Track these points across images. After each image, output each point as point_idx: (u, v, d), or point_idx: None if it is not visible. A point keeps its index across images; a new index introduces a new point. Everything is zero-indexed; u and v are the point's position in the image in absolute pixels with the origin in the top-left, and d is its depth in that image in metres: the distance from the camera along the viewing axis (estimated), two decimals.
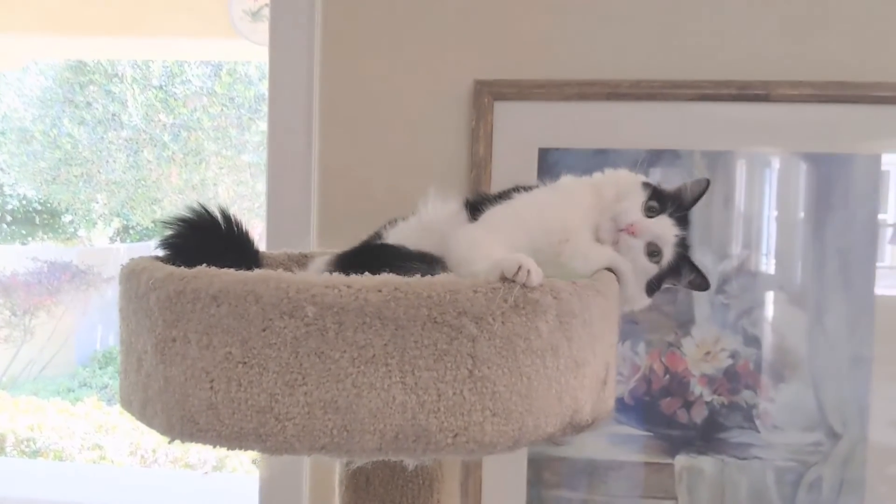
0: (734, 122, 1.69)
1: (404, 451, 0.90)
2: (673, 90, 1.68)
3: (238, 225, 1.18)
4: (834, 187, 1.67)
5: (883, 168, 1.67)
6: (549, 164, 1.72)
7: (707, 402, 1.70)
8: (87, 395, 3.62)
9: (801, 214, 1.69)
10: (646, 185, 1.24)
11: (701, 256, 1.67)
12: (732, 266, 1.70)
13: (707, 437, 1.70)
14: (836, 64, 1.66)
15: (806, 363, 1.68)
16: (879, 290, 1.66)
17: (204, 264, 0.99)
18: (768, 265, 1.70)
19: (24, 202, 3.58)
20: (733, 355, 1.70)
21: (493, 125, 1.72)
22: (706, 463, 1.70)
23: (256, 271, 0.91)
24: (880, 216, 1.68)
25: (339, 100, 1.78)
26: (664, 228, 1.18)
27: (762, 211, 1.71)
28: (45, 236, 3.78)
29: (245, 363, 0.89)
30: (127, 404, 1.02)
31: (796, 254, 1.69)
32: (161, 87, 3.44)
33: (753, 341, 1.69)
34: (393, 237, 1.17)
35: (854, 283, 1.67)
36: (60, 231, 3.76)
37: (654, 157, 1.70)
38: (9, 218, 3.63)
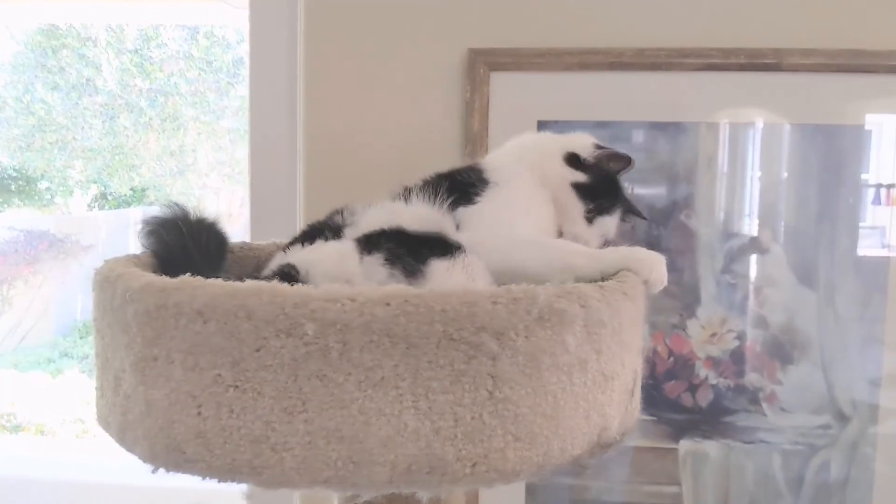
0: (743, 93, 1.57)
1: (417, 484, 0.78)
2: (679, 59, 1.56)
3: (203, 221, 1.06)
4: (847, 160, 1.56)
5: None
6: None
7: (712, 385, 1.60)
8: (68, 365, 3.48)
9: (814, 190, 1.57)
10: (575, 186, 1.17)
11: (708, 234, 1.57)
12: (740, 244, 1.59)
13: (712, 421, 1.60)
14: (850, 31, 1.53)
15: (815, 344, 1.59)
16: (893, 270, 1.56)
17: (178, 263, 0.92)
18: (777, 244, 1.58)
19: None
20: (740, 336, 1.59)
21: (488, 97, 1.59)
22: (711, 447, 1.61)
23: (248, 282, 0.78)
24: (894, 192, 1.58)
25: (323, 71, 1.64)
26: (607, 228, 1.18)
27: (770, 186, 1.59)
28: (22, 203, 3.60)
29: (237, 387, 0.77)
30: (105, 425, 0.90)
31: (807, 232, 1.58)
32: (136, 51, 3.26)
33: (761, 322, 1.59)
34: (376, 222, 1.03)
35: (866, 262, 1.57)
36: (37, 198, 3.59)
37: (659, 130, 1.58)
38: None
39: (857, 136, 1.56)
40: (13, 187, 3.56)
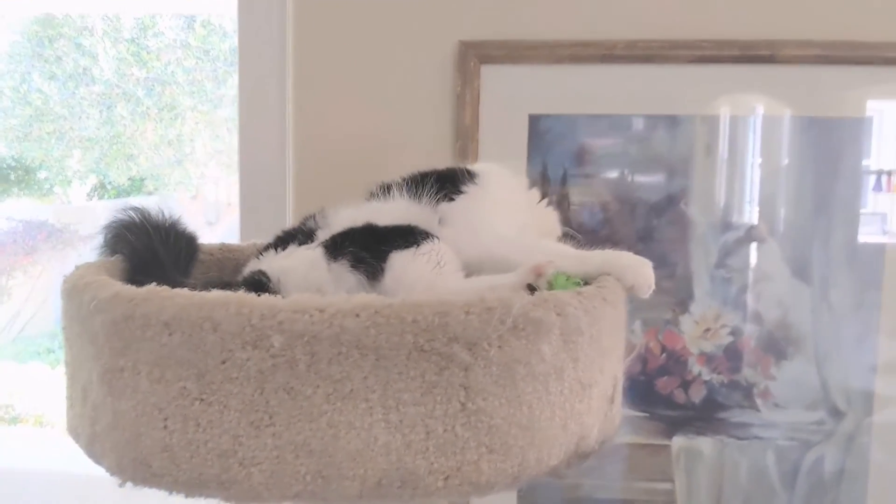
0: (737, 85, 1.54)
1: (389, 498, 0.76)
2: (672, 51, 1.53)
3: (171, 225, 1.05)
4: (844, 153, 1.54)
5: None
6: (541, 132, 1.57)
7: (706, 382, 1.58)
8: None
9: (810, 182, 1.55)
10: None
11: (702, 228, 1.54)
12: (734, 238, 1.56)
13: (706, 418, 1.58)
14: (846, 22, 1.50)
15: (810, 339, 1.56)
16: (888, 264, 1.54)
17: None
18: (773, 237, 1.56)
19: None
20: (734, 332, 1.57)
21: (479, 91, 1.57)
22: (705, 444, 1.59)
23: (215, 293, 0.76)
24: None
25: (312, 65, 1.61)
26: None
27: (766, 179, 1.57)
28: (21, 193, 3.58)
29: (203, 400, 0.75)
30: (75, 435, 0.88)
31: (803, 226, 1.55)
32: (133, 41, 3.23)
33: (755, 317, 1.57)
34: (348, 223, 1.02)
35: (861, 256, 1.54)
36: (36, 188, 3.57)
37: (653, 124, 1.56)
38: None
39: (855, 128, 1.53)
40: (12, 177, 3.55)
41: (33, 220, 3.43)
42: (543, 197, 1.26)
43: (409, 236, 0.93)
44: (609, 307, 0.86)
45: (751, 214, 1.57)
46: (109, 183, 3.56)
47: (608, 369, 0.88)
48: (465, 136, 1.56)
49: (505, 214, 1.11)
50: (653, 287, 0.97)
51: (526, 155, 1.57)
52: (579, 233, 1.26)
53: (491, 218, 1.08)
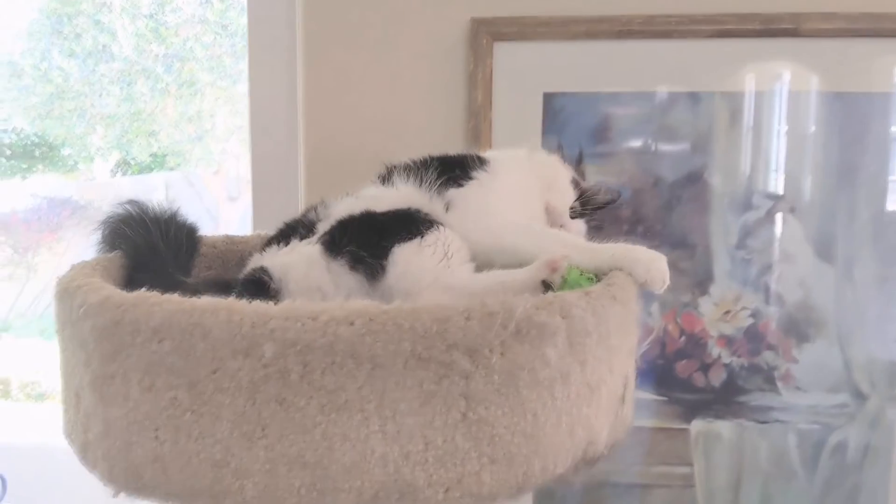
0: (759, 60, 1.48)
1: None
2: (691, 26, 1.47)
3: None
4: (870, 130, 1.47)
5: None
6: (555, 111, 1.51)
7: (725, 365, 1.53)
8: None
9: (833, 161, 1.49)
10: (575, 182, 1.17)
11: (723, 207, 1.49)
12: (755, 218, 1.51)
13: (725, 401, 1.54)
14: None
15: (833, 321, 1.51)
16: None
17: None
18: (794, 217, 1.50)
19: (21, 136, 3.37)
20: (754, 314, 1.52)
21: (492, 69, 1.52)
22: (724, 427, 1.54)
23: (205, 299, 0.72)
24: None
25: (322, 44, 1.56)
26: (579, 233, 1.13)
27: (789, 157, 1.51)
28: (46, 169, 3.57)
29: (194, 410, 0.71)
30: (69, 440, 0.85)
31: (826, 205, 1.49)
32: (151, 16, 3.19)
33: (776, 299, 1.52)
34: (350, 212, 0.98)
35: (886, 234, 1.48)
36: (61, 164, 3.55)
37: (671, 101, 1.50)
38: (8, 152, 3.42)
39: (882, 103, 1.47)
40: (36, 153, 3.53)
41: (57, 197, 3.42)
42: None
43: (411, 225, 0.89)
44: (618, 305, 0.82)
45: (776, 189, 1.51)
46: (133, 159, 3.54)
47: (618, 368, 0.84)
48: (478, 115, 1.51)
49: (517, 202, 1.06)
50: (667, 283, 0.93)
51: (540, 134, 1.52)
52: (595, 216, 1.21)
53: (502, 204, 1.03)
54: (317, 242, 0.91)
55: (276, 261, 0.92)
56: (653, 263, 0.91)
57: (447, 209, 1.01)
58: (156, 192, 3.51)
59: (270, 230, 1.06)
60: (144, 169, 3.55)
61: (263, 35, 1.60)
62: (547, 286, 0.83)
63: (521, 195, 1.07)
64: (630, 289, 0.87)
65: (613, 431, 0.85)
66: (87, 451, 0.79)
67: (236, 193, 3.42)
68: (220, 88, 3.23)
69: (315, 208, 1.02)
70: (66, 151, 3.56)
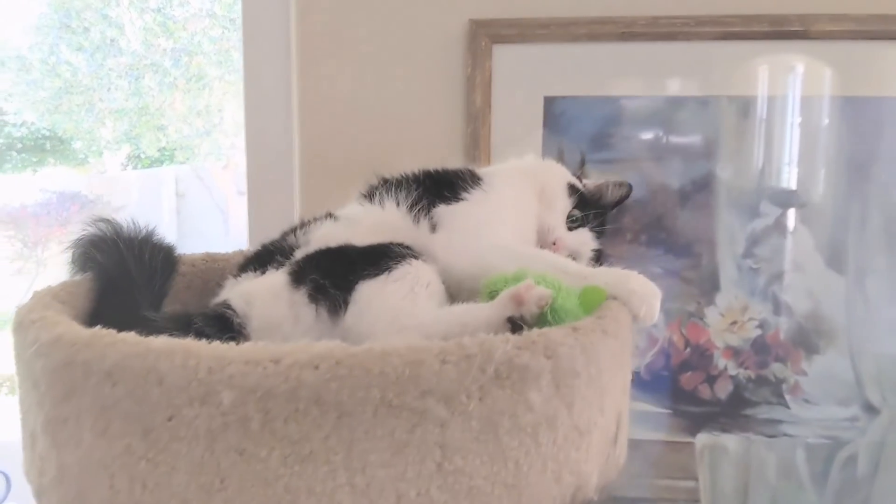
0: (767, 63, 1.41)
1: None
2: (696, 28, 1.40)
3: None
4: (882, 136, 1.40)
5: None
6: (556, 115, 1.45)
7: (732, 377, 1.47)
8: None
9: (844, 167, 1.41)
10: (570, 187, 1.08)
11: (729, 216, 1.42)
12: (763, 226, 1.43)
13: (731, 414, 1.47)
14: None
15: (843, 332, 1.44)
16: None
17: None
18: (803, 225, 1.43)
19: (31, 129, 3.33)
20: (762, 325, 1.45)
21: (491, 72, 1.45)
22: (730, 441, 1.47)
23: (161, 340, 0.66)
24: None
25: (318, 46, 1.50)
26: (583, 244, 1.06)
27: (798, 164, 1.43)
28: (57, 162, 3.53)
29: (149, 459, 0.66)
30: (28, 480, 0.79)
31: (836, 213, 1.42)
32: (159, 10, 3.14)
33: (785, 309, 1.45)
34: (325, 241, 0.91)
35: None
36: (71, 158, 3.52)
37: (676, 105, 1.43)
38: (19, 145, 3.39)
39: (894, 108, 1.39)
40: (47, 146, 3.49)
41: (66, 192, 3.38)
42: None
43: (381, 260, 0.82)
44: (611, 339, 0.75)
45: (784, 196, 1.43)
46: (143, 153, 3.50)
47: (611, 407, 0.78)
48: (477, 120, 1.45)
49: (509, 221, 1.00)
50: (655, 320, 0.86)
51: (541, 139, 1.45)
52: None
53: (491, 225, 0.97)
54: (285, 273, 0.85)
55: (241, 292, 0.86)
56: (649, 298, 0.85)
57: (434, 229, 0.95)
58: (166, 186, 3.46)
59: (265, 238, 1.00)
60: (154, 163, 3.51)
61: (258, 38, 1.54)
62: (516, 323, 0.75)
63: (515, 213, 1.01)
64: (624, 320, 0.80)
65: (604, 474, 0.79)
66: (42, 496, 0.74)
67: (245, 188, 3.36)
68: (229, 83, 3.19)
69: (294, 231, 0.96)
70: (76, 145, 3.52)
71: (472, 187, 1.00)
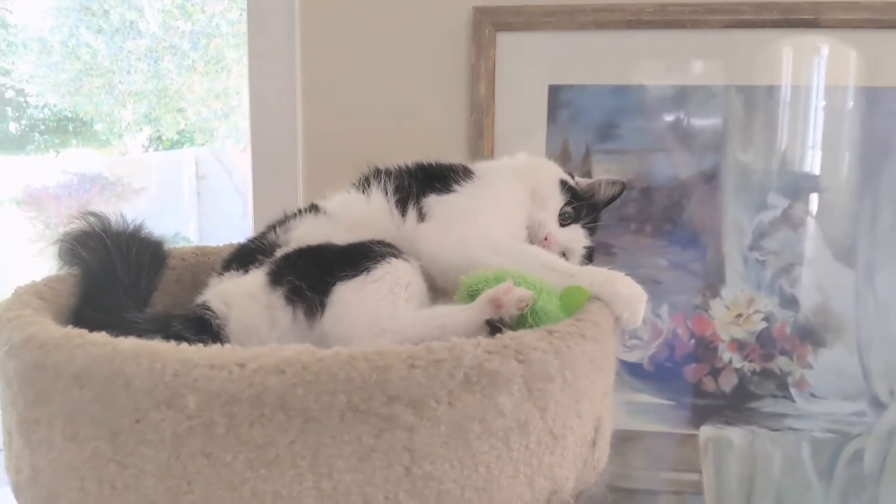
0: (777, 53, 1.38)
1: None
2: (705, 16, 1.38)
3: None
4: (892, 126, 1.37)
5: None
6: (561, 105, 1.43)
7: (737, 370, 1.45)
8: None
9: (852, 158, 1.39)
10: (563, 184, 1.07)
11: (736, 207, 1.40)
12: (770, 219, 1.41)
13: (736, 407, 1.46)
14: None
15: (852, 326, 1.41)
16: None
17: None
18: (811, 217, 1.41)
19: (54, 111, 3.35)
20: (768, 318, 1.43)
21: (495, 60, 1.44)
22: (735, 434, 1.46)
23: (129, 342, 0.65)
24: None
25: (321, 35, 1.49)
26: (575, 241, 1.04)
27: (805, 155, 1.41)
28: (80, 144, 3.55)
29: (117, 462, 0.65)
30: (8, 474, 0.80)
31: (845, 204, 1.39)
32: None
33: (791, 302, 1.42)
34: (305, 239, 0.91)
35: None
36: (93, 139, 3.54)
37: (683, 95, 1.40)
38: (41, 127, 3.41)
39: None
40: (70, 128, 3.52)
41: (87, 173, 3.40)
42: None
43: (360, 260, 0.81)
44: (589, 343, 0.74)
45: (792, 188, 1.41)
46: (163, 135, 3.51)
47: (588, 412, 0.77)
48: (480, 109, 1.43)
49: (500, 216, 0.99)
50: (639, 324, 0.85)
51: (545, 129, 1.43)
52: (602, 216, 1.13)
53: (481, 218, 0.96)
54: (263, 273, 0.84)
55: (220, 293, 0.86)
56: (633, 302, 0.83)
57: (423, 219, 0.95)
58: (186, 169, 3.48)
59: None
60: (174, 145, 3.53)
61: (263, 27, 1.53)
62: (495, 326, 0.74)
63: (506, 209, 1.00)
64: (605, 323, 0.79)
65: (582, 478, 0.77)
66: (19, 494, 0.74)
67: None
68: (247, 66, 3.18)
69: (275, 227, 0.95)
70: (97, 127, 3.54)
71: (463, 180, 0.99)
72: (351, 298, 0.78)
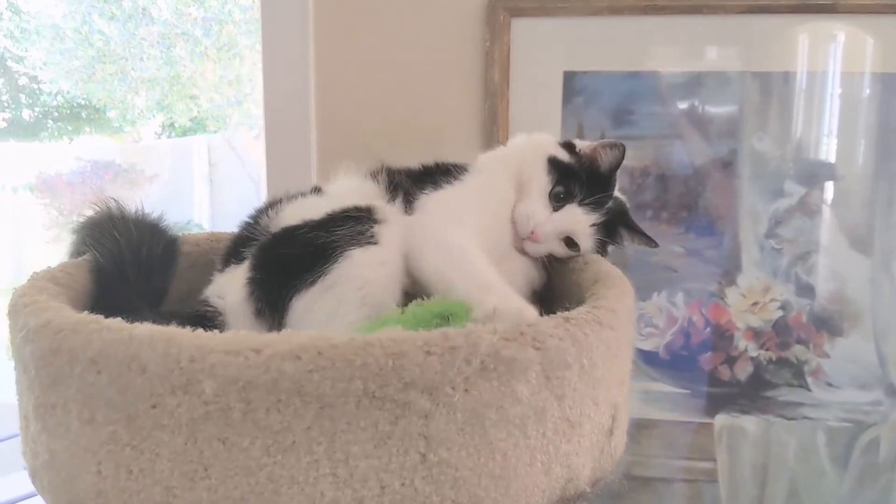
0: (794, 39, 1.37)
1: None
2: (721, 1, 1.37)
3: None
4: None
5: None
6: (576, 91, 1.42)
7: (752, 358, 1.44)
8: None
9: (868, 145, 1.37)
10: (551, 161, 0.99)
11: (752, 195, 1.39)
12: (787, 206, 1.40)
13: (751, 396, 1.45)
14: None
15: (868, 315, 1.40)
16: None
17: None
18: (827, 205, 1.40)
19: (67, 98, 3.36)
20: (784, 306, 1.42)
21: (510, 46, 1.42)
22: (750, 423, 1.46)
23: (145, 328, 0.66)
24: None
25: (335, 21, 1.48)
26: (574, 223, 0.97)
27: (821, 142, 1.40)
28: (93, 131, 3.56)
29: (133, 446, 0.66)
30: (25, 460, 0.80)
31: (861, 192, 1.38)
32: None
33: (807, 291, 1.41)
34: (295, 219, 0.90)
35: None
36: (106, 126, 3.54)
37: (699, 81, 1.39)
38: (55, 114, 3.42)
39: None
40: (83, 115, 3.53)
41: (101, 160, 3.41)
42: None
43: (318, 261, 0.80)
44: (606, 330, 0.74)
45: (809, 176, 1.40)
46: (175, 122, 3.51)
47: (605, 399, 0.76)
48: (495, 95, 1.42)
49: (485, 214, 0.96)
50: None
51: (560, 115, 1.43)
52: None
53: (455, 215, 0.93)
54: (244, 276, 0.85)
55: (216, 289, 0.87)
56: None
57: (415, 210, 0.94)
58: (198, 155, 3.48)
59: None
60: (187, 132, 3.53)
61: (275, 13, 1.53)
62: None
63: (484, 208, 0.96)
64: (623, 310, 0.79)
65: (599, 467, 0.77)
66: (36, 478, 0.74)
67: None
68: (259, 52, 3.18)
69: (266, 210, 0.94)
70: (110, 114, 3.54)
71: (455, 178, 0.97)
72: (304, 316, 0.80)
